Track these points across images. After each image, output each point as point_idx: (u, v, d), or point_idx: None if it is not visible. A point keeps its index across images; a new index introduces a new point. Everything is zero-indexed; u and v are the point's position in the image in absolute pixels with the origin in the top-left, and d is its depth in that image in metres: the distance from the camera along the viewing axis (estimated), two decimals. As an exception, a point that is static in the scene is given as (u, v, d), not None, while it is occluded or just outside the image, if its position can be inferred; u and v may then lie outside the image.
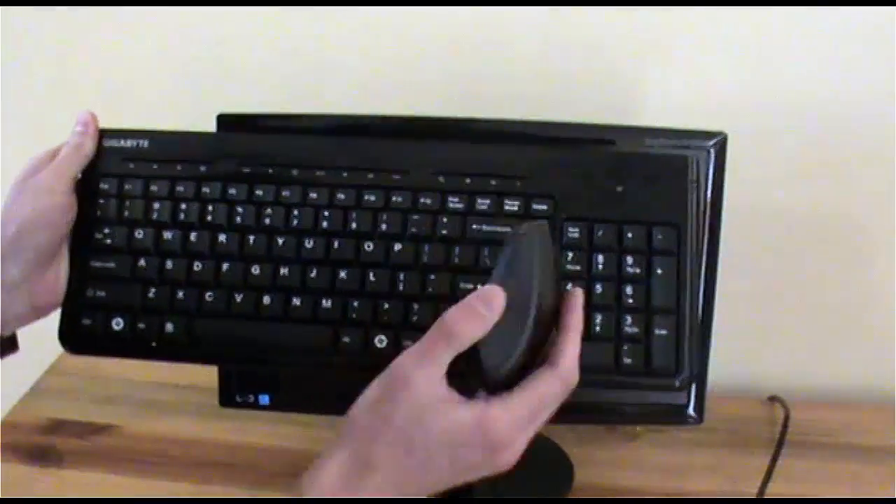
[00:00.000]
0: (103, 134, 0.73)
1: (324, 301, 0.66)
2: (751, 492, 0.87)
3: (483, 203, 0.67)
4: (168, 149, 0.71)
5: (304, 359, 0.67)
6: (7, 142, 1.10)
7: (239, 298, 0.67)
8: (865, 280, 1.02)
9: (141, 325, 0.68)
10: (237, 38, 1.03)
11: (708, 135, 0.81)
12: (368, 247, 0.66)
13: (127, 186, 0.70)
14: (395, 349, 0.63)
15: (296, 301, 0.66)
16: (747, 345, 1.03)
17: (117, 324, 0.68)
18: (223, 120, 0.83)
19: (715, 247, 0.82)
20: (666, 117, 0.93)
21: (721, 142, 0.81)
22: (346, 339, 0.65)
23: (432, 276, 0.65)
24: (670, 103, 0.97)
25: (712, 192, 0.81)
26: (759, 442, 0.94)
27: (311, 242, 0.67)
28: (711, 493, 0.88)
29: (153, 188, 0.70)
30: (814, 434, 0.96)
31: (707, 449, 0.93)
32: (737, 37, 0.95)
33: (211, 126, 0.83)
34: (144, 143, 0.71)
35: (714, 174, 0.81)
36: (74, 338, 0.70)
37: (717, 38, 0.95)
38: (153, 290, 0.68)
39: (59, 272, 0.70)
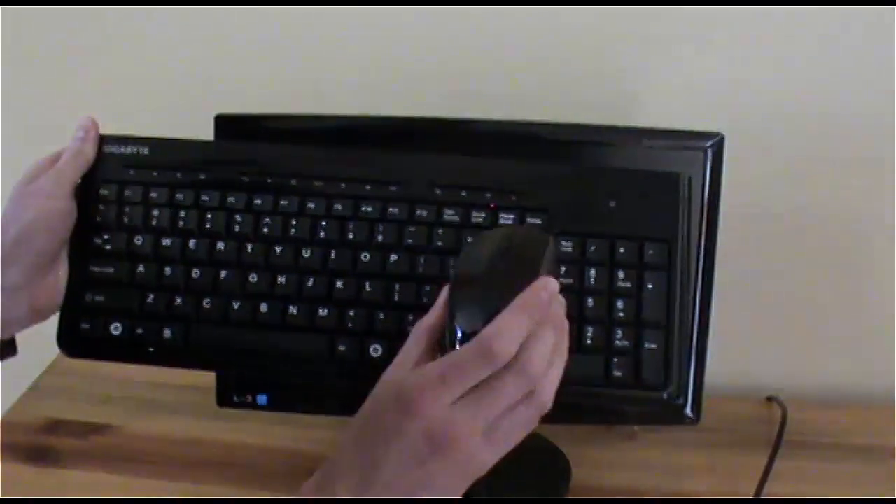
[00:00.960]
0: (103, 140, 0.73)
1: (320, 310, 0.66)
2: (748, 492, 0.87)
3: (478, 216, 0.67)
4: (168, 156, 0.71)
5: (300, 367, 0.67)
6: (6, 143, 1.10)
7: (236, 306, 0.67)
8: (863, 280, 1.02)
9: (139, 331, 0.68)
10: (235, 38, 1.02)
11: (705, 135, 0.81)
12: (365, 257, 0.66)
13: (127, 193, 0.70)
14: (390, 358, 0.64)
15: (293, 309, 0.66)
16: (745, 345, 1.03)
17: (115, 329, 0.68)
18: (221, 120, 0.83)
19: (712, 246, 0.82)
20: (664, 118, 0.93)
21: (718, 142, 0.81)
22: (342, 348, 0.66)
23: (427, 288, 0.66)
24: (668, 104, 0.97)
25: (709, 192, 0.81)
26: (757, 442, 0.94)
27: (309, 252, 0.67)
28: (709, 493, 0.88)
29: (153, 195, 0.70)
30: (811, 434, 0.96)
31: (704, 449, 0.93)
32: (735, 37, 0.94)
33: (209, 126, 0.83)
34: (144, 150, 0.71)
35: (711, 174, 0.81)
36: (72, 342, 0.70)
37: (715, 37, 0.95)
38: (151, 296, 0.68)
39: (59, 277, 0.70)
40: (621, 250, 0.67)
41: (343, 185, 0.68)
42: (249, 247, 0.68)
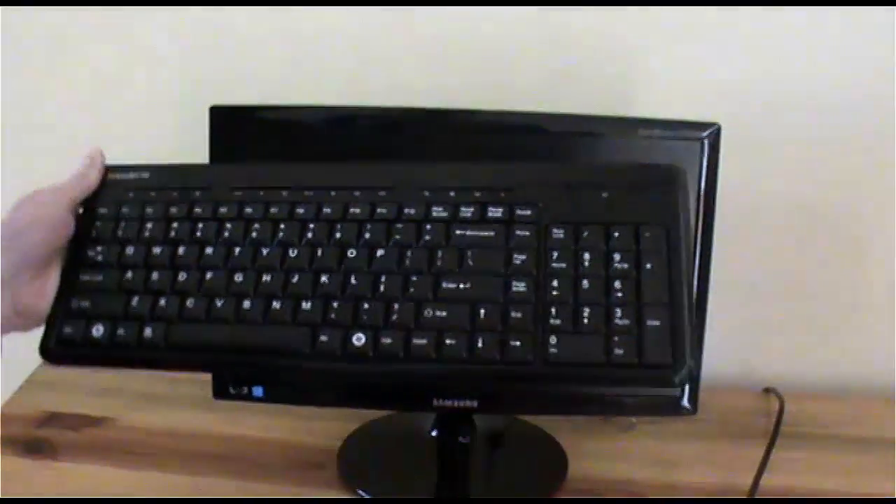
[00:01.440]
0: (109, 170, 0.73)
1: (304, 303, 0.65)
2: (745, 483, 0.87)
3: (467, 211, 0.66)
4: (166, 179, 0.72)
5: (279, 360, 0.65)
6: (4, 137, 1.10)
7: (219, 303, 0.66)
8: (861, 271, 1.02)
9: (120, 331, 0.67)
10: (230, 32, 1.02)
11: (702, 125, 0.81)
12: (351, 253, 0.66)
13: (124, 210, 0.71)
14: (374, 349, 0.63)
15: (276, 304, 0.65)
16: (742, 336, 1.03)
17: (97, 330, 0.67)
18: (216, 112, 0.83)
19: (709, 238, 0.82)
20: (661, 109, 0.92)
21: (715, 132, 0.81)
22: (324, 339, 0.64)
23: (414, 278, 0.65)
24: (667, 94, 0.97)
25: (706, 183, 0.81)
26: (754, 433, 0.95)
27: (296, 252, 0.66)
28: (706, 484, 0.88)
29: (148, 210, 0.70)
30: (808, 425, 0.96)
31: (702, 440, 0.94)
32: (735, 29, 0.94)
33: (204, 118, 0.83)
34: (144, 175, 0.72)
35: (708, 164, 0.81)
36: (54, 348, 0.68)
37: (716, 30, 0.95)
38: (136, 298, 0.67)
39: (47, 283, 0.70)
40: (616, 235, 0.64)
41: (333, 193, 0.68)
42: (237, 249, 0.67)
